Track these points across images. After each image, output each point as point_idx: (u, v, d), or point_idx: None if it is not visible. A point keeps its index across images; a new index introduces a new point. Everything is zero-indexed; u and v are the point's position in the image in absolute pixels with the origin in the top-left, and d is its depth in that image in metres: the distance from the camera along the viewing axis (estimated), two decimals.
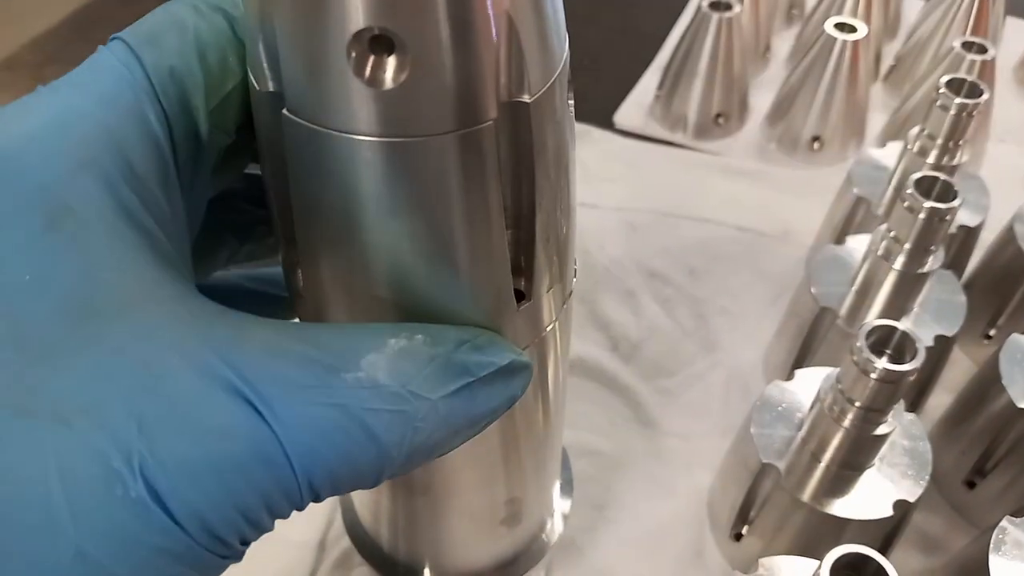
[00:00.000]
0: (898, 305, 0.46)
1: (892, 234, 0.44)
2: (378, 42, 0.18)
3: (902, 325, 0.36)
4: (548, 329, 0.28)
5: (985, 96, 0.48)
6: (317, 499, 0.20)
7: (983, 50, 0.63)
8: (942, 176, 0.42)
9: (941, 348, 0.46)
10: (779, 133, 0.69)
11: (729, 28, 0.66)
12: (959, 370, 0.53)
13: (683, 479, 0.48)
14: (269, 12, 0.19)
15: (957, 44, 0.63)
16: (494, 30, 0.19)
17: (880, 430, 0.37)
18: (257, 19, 0.20)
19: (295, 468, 0.19)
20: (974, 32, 0.70)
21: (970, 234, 0.52)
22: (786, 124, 0.69)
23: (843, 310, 0.46)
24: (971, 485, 0.46)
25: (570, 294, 0.29)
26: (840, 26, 0.65)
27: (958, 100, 0.48)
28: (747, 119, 0.72)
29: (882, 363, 0.34)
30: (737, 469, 0.42)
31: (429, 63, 0.19)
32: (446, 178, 0.21)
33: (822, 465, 0.38)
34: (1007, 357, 0.44)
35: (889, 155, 0.56)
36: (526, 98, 0.21)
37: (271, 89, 0.20)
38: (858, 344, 0.35)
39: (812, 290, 0.47)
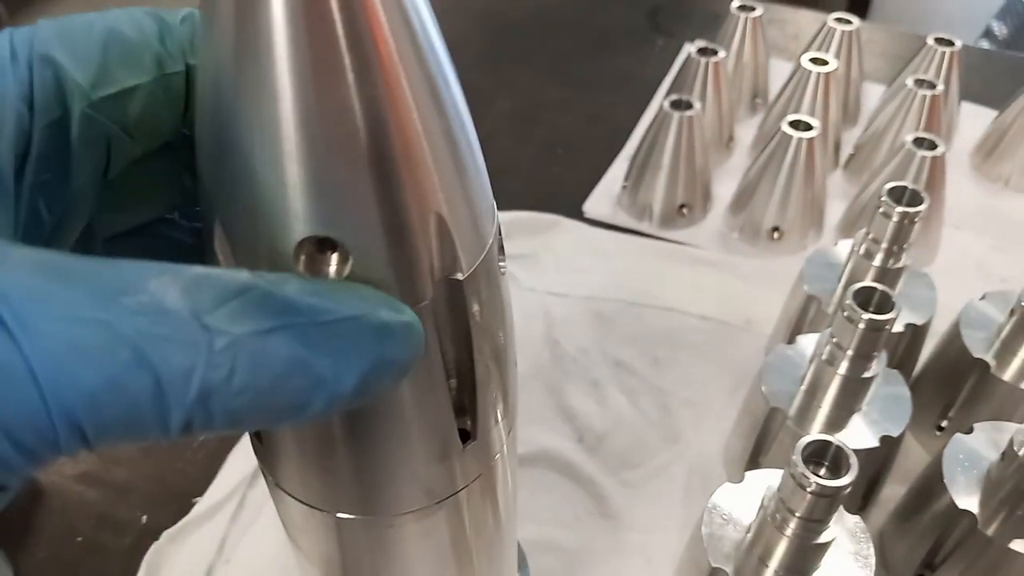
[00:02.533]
0: (845, 406, 0.48)
1: (835, 340, 0.46)
2: (322, 244, 0.21)
3: (836, 440, 0.38)
4: (496, 458, 0.30)
5: (925, 204, 0.50)
6: (85, 440, 0.17)
7: (933, 146, 0.66)
8: (880, 287, 0.45)
9: (888, 446, 0.48)
10: (741, 223, 0.72)
11: (690, 125, 0.69)
12: (913, 460, 0.55)
13: (643, 574, 0.49)
14: (219, 214, 0.21)
15: (909, 140, 0.67)
16: (426, 228, 0.21)
17: (822, 538, 0.39)
18: (210, 215, 0.22)
19: (42, 388, 0.16)
20: (928, 123, 0.74)
21: (918, 331, 0.55)
22: (747, 214, 0.72)
23: (792, 410, 0.49)
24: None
25: (514, 422, 0.31)
26: (795, 123, 0.68)
27: (899, 208, 0.50)
28: (711, 208, 0.75)
29: (816, 479, 0.36)
30: (690, 569, 0.44)
31: (367, 261, 0.21)
32: None
33: (769, 570, 0.40)
34: (950, 457, 0.46)
35: (841, 252, 0.58)
36: (459, 276, 0.23)
37: None
38: (794, 458, 0.37)
39: (763, 389, 0.50)
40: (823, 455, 0.39)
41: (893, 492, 0.53)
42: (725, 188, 0.76)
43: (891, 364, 0.55)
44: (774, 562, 0.40)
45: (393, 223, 0.21)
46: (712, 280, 0.68)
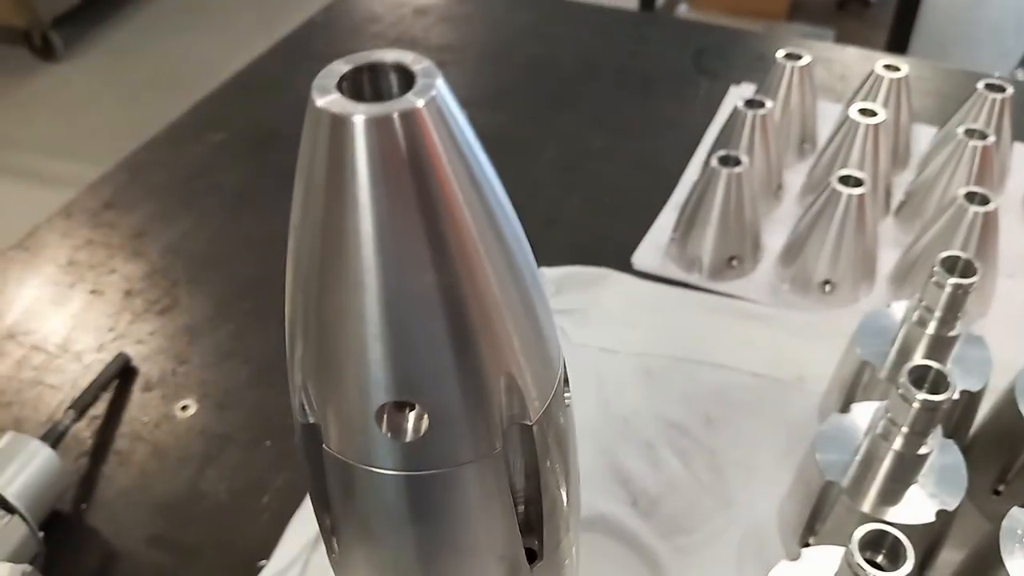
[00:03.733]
0: (900, 480, 0.48)
1: (889, 415, 0.46)
2: (401, 406, 0.22)
3: (893, 530, 0.38)
4: (564, 566, 0.31)
5: (977, 277, 0.51)
6: None
7: (985, 201, 0.66)
8: (935, 366, 0.45)
9: (944, 519, 0.48)
10: (791, 274, 0.73)
11: (739, 181, 0.70)
12: (970, 524, 0.55)
13: None
14: (307, 375, 0.23)
15: (960, 195, 0.66)
16: (497, 387, 0.23)
17: None
18: (300, 374, 0.24)
19: None
20: (980, 174, 0.73)
21: (973, 397, 0.54)
22: (798, 267, 0.72)
23: (846, 482, 0.49)
24: None
25: (578, 533, 0.32)
26: (845, 179, 0.68)
27: (952, 280, 0.50)
28: (761, 258, 0.76)
29: (872, 570, 0.37)
30: None
31: (444, 420, 0.22)
32: (463, 496, 0.24)
33: None
34: (1007, 532, 0.46)
35: (895, 313, 0.58)
36: (528, 422, 0.24)
37: (311, 422, 0.24)
38: (850, 547, 0.38)
39: (817, 459, 0.50)
40: (881, 543, 0.39)
41: (950, 557, 0.52)
42: (775, 238, 0.76)
43: (946, 431, 0.55)
44: None
45: (467, 387, 0.22)
46: (763, 335, 0.68)
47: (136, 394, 0.67)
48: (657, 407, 0.63)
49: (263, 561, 0.55)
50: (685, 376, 0.66)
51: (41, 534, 0.54)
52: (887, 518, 0.48)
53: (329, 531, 0.29)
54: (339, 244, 0.20)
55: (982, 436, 0.57)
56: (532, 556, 0.29)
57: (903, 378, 0.45)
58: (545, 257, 0.75)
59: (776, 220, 0.80)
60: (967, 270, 0.51)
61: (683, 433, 0.62)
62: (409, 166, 0.19)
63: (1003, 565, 0.45)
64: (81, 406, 0.63)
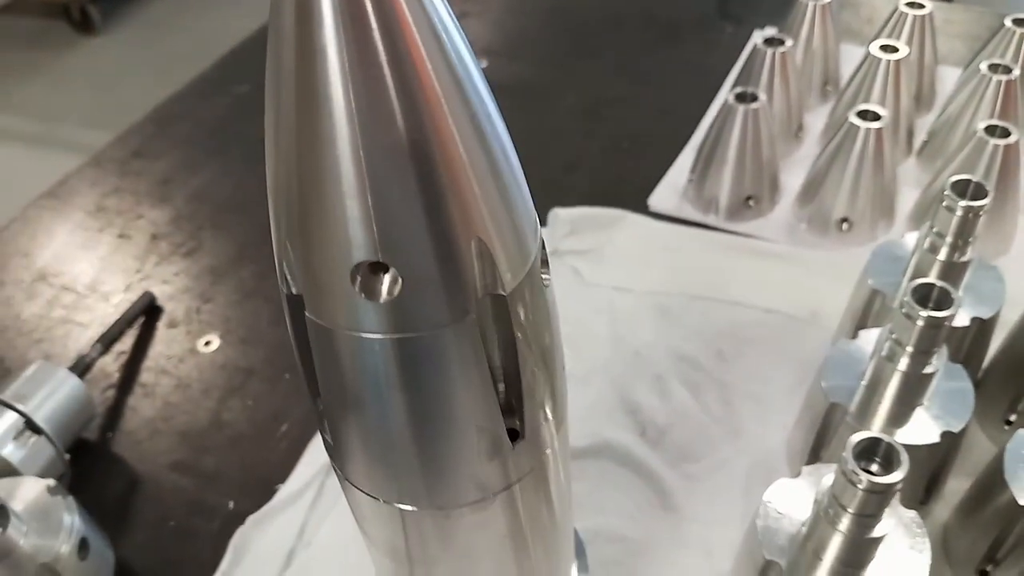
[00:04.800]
0: (906, 402, 0.48)
1: (894, 336, 0.46)
2: (375, 267, 0.23)
3: (886, 436, 0.38)
4: (546, 453, 0.32)
5: (989, 198, 0.50)
6: None
7: (1007, 133, 0.65)
8: (939, 284, 0.45)
9: (950, 441, 0.48)
10: (809, 214, 0.72)
11: (756, 118, 0.70)
12: (980, 454, 0.55)
13: (703, 566, 0.51)
14: (288, 241, 0.24)
15: (980, 128, 0.65)
16: (469, 251, 0.23)
17: (874, 533, 0.39)
18: (282, 242, 0.24)
19: None
20: (1003, 109, 0.72)
21: (984, 325, 0.54)
22: (816, 206, 0.71)
23: (852, 406, 0.49)
24: (984, 574, 0.48)
25: (563, 419, 0.33)
26: (863, 113, 0.67)
27: (963, 203, 0.50)
28: (779, 199, 0.75)
29: (866, 475, 0.37)
30: (746, 562, 0.45)
31: (416, 281, 0.23)
32: (440, 362, 0.25)
33: (823, 565, 0.41)
34: (1012, 454, 0.46)
35: (908, 245, 0.58)
36: (502, 291, 0.25)
37: (294, 292, 0.25)
38: (845, 455, 0.38)
39: (823, 385, 0.50)
40: (875, 451, 0.39)
41: (959, 485, 0.52)
42: (794, 178, 0.76)
43: (957, 358, 0.54)
44: (828, 556, 0.41)
45: (437, 247, 0.23)
46: (778, 273, 0.68)
47: (161, 331, 0.69)
48: (669, 342, 0.64)
49: (279, 485, 0.57)
50: (698, 313, 0.66)
51: (67, 456, 0.56)
52: (895, 439, 0.47)
53: (320, 413, 0.30)
54: (308, 100, 0.21)
55: (994, 366, 0.57)
56: (515, 436, 0.30)
57: (907, 296, 0.44)
58: (564, 200, 0.75)
59: (796, 161, 0.79)
60: (978, 193, 0.50)
61: (694, 367, 0.62)
62: (375, 18, 0.20)
63: (1007, 486, 0.45)
64: (108, 340, 0.65)
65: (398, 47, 0.20)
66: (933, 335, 0.45)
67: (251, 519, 0.54)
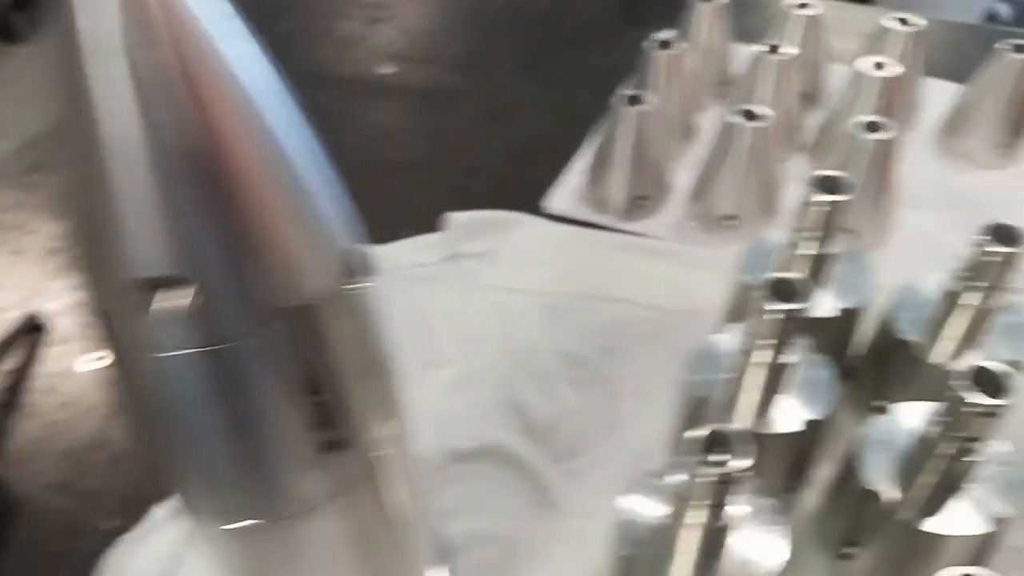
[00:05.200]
0: (768, 393, 0.49)
1: (753, 330, 0.47)
2: (169, 281, 0.23)
3: (723, 426, 0.39)
4: (377, 461, 0.32)
5: (848, 196, 0.51)
6: None
7: (881, 128, 0.67)
8: (793, 277, 0.46)
9: (813, 430, 0.49)
10: (697, 212, 0.73)
11: (644, 120, 0.71)
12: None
13: (577, 561, 0.51)
14: (83, 260, 0.24)
15: (857, 124, 0.67)
16: (261, 263, 0.23)
17: (725, 521, 0.40)
18: (80, 259, 0.24)
19: None
20: (886, 102, 0.74)
21: (852, 315, 0.55)
22: (703, 204, 0.73)
23: (716, 399, 0.50)
24: (845, 556, 0.49)
25: (399, 426, 0.33)
26: (746, 113, 0.69)
27: (824, 197, 0.51)
28: (670, 198, 0.76)
29: (711, 468, 0.38)
30: (611, 556, 0.46)
31: (212, 293, 0.23)
32: (242, 374, 0.25)
33: (679, 556, 0.42)
34: (865, 439, 0.47)
35: (782, 240, 0.59)
36: (306, 302, 0.25)
37: (99, 312, 0.25)
38: (690, 446, 0.39)
39: (687, 379, 0.51)
40: (725, 442, 0.40)
41: (828, 472, 0.53)
42: (686, 177, 0.77)
43: (826, 348, 0.56)
44: (681, 548, 0.42)
45: (231, 260, 0.23)
46: (664, 270, 0.69)
47: (51, 348, 0.68)
48: (557, 341, 0.64)
49: (157, 505, 0.56)
50: (586, 312, 0.67)
51: None
52: (756, 428, 0.49)
53: (146, 437, 0.30)
54: (83, 112, 0.21)
55: (864, 356, 0.59)
56: (337, 447, 0.30)
57: (760, 291, 0.46)
58: (465, 203, 0.76)
59: (688, 161, 0.80)
60: (839, 188, 0.52)
61: (580, 365, 0.63)
62: (162, 22, 0.20)
63: (860, 472, 0.46)
64: None
65: (184, 56, 0.21)
66: (789, 327, 0.46)
67: (125, 539, 0.53)
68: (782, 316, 0.45)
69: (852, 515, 0.47)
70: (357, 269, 0.29)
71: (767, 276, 0.46)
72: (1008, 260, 0.49)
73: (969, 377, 0.42)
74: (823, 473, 0.53)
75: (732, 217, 0.71)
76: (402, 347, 0.64)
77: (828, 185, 0.53)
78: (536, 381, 0.61)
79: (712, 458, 0.39)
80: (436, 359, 0.63)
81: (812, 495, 0.53)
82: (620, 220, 0.75)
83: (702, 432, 0.40)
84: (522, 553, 0.52)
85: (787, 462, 0.51)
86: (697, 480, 0.39)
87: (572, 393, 0.61)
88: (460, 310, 0.67)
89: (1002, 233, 0.49)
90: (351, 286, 0.28)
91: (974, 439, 0.42)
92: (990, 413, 0.41)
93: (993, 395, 0.41)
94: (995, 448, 0.45)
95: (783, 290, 0.47)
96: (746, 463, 0.39)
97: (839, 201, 0.52)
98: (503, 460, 0.57)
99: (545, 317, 0.66)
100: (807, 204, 0.52)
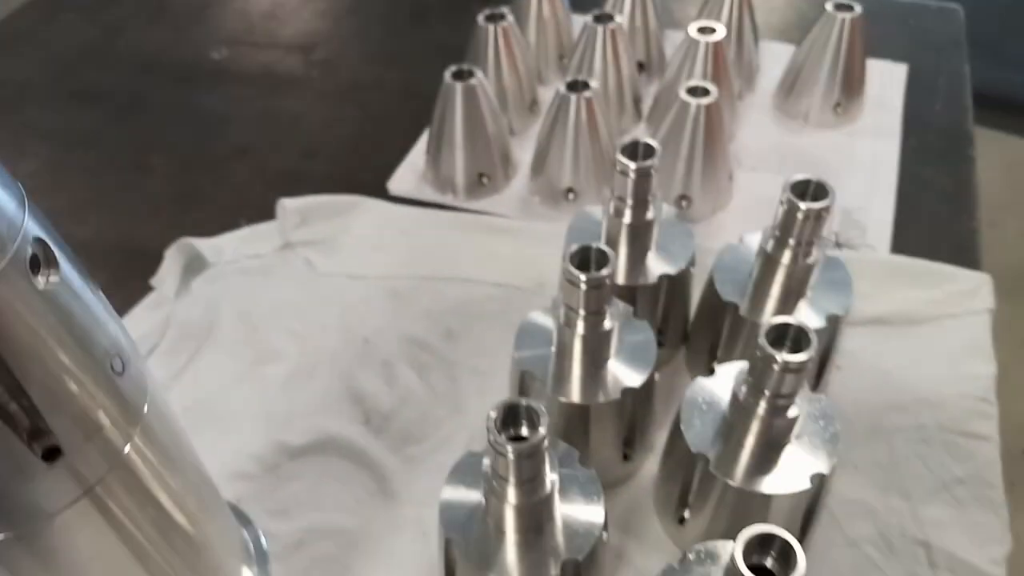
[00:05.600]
0: (592, 362, 0.49)
1: (566, 302, 0.47)
2: None
3: (522, 400, 0.39)
4: (111, 465, 0.30)
5: (655, 158, 0.52)
6: None
7: (705, 93, 0.68)
8: (596, 247, 0.46)
9: (633, 397, 0.49)
10: (539, 187, 0.73)
11: (474, 95, 0.70)
12: None
13: (417, 549, 0.51)
14: None
15: (683, 90, 0.68)
16: None
17: (539, 495, 0.40)
18: None
19: None
20: (714, 66, 0.75)
21: (674, 280, 0.56)
22: (544, 178, 0.72)
23: (541, 372, 0.49)
24: (682, 520, 0.49)
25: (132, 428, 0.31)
26: (575, 84, 0.69)
27: (633, 164, 0.51)
28: (513, 174, 0.76)
29: (507, 443, 0.37)
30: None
31: None
32: None
33: (504, 535, 0.42)
34: (688, 401, 0.48)
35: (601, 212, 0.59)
36: None
37: None
38: (488, 423, 0.38)
39: (514, 355, 0.51)
40: (517, 416, 0.40)
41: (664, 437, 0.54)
42: (529, 153, 0.77)
43: (653, 313, 0.56)
44: (507, 527, 0.41)
45: None
46: (507, 247, 0.69)
47: None
48: (399, 326, 0.63)
49: None
50: (429, 294, 0.66)
51: None
52: (578, 400, 0.48)
53: None
54: None
55: (695, 319, 0.59)
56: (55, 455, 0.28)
57: (566, 262, 0.45)
58: (301, 189, 0.73)
59: (531, 136, 0.80)
60: (647, 153, 0.52)
61: (422, 348, 0.62)
62: None
63: (683, 434, 0.47)
64: None
65: None
66: (597, 295, 0.46)
67: None
68: (589, 285, 0.45)
69: (683, 479, 0.48)
70: (38, 260, 0.26)
71: (571, 248, 0.46)
72: (817, 215, 0.50)
73: (771, 335, 0.42)
74: (663, 438, 0.54)
75: (571, 190, 0.71)
76: (231, 344, 0.62)
77: (635, 152, 0.53)
78: (377, 369, 0.60)
79: (504, 435, 0.39)
80: (268, 354, 0.61)
81: (653, 462, 0.54)
82: (465, 199, 0.74)
83: (495, 410, 0.39)
84: (362, 545, 0.51)
85: (617, 432, 0.51)
86: (498, 457, 0.39)
87: (415, 377, 0.60)
88: (295, 301, 0.65)
89: (808, 189, 0.50)
90: (38, 277, 0.26)
91: (783, 395, 0.43)
92: (793, 369, 0.42)
93: (795, 351, 0.42)
94: (812, 404, 0.47)
95: (586, 260, 0.46)
96: (539, 436, 0.38)
97: (645, 167, 0.52)
98: (340, 452, 0.56)
99: (387, 302, 0.65)
100: (620, 173, 0.52)
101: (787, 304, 0.53)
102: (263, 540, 0.45)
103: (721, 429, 0.47)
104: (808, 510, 0.47)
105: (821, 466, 0.44)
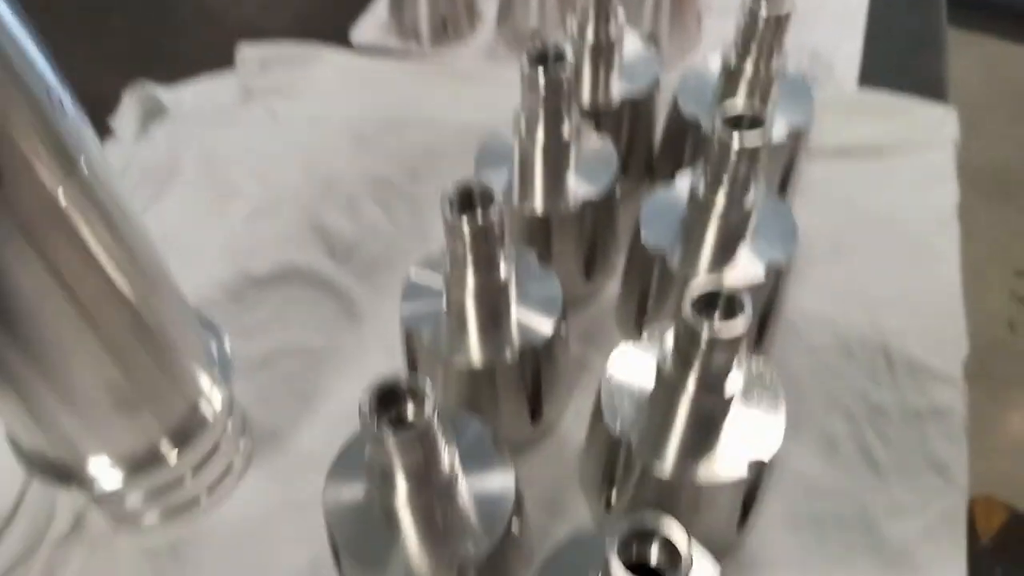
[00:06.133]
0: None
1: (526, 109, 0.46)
2: None
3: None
4: (44, 206, 0.30)
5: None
6: None
7: None
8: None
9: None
10: (504, 33, 0.72)
11: None
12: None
13: (383, 362, 0.51)
14: None
15: None
16: None
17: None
18: None
19: None
20: None
21: (638, 104, 0.55)
22: (509, 24, 0.71)
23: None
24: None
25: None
26: None
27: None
28: (478, 24, 0.74)
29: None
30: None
31: None
32: None
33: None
34: (647, 207, 0.48)
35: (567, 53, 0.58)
36: None
37: None
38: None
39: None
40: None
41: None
42: (493, 7, 0.75)
43: (620, 139, 0.56)
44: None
45: None
46: (476, 91, 0.68)
47: None
48: (363, 167, 0.63)
49: None
50: (394, 136, 0.65)
51: None
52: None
53: None
54: None
55: (664, 136, 0.59)
56: None
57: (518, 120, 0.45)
58: (266, 35, 0.71)
59: None
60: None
61: (387, 186, 0.61)
62: None
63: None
64: None
65: None
66: (559, 97, 0.45)
67: None
68: (549, 87, 0.44)
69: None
70: None
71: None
72: (778, 24, 0.49)
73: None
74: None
75: (537, 33, 0.70)
76: (192, 185, 0.62)
77: None
78: (340, 205, 0.60)
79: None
80: (230, 193, 0.60)
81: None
82: (428, 47, 0.73)
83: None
84: (328, 362, 0.52)
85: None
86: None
87: (380, 213, 0.59)
88: (257, 145, 0.64)
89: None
90: None
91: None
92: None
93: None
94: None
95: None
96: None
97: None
98: (305, 280, 0.56)
99: (351, 145, 0.64)
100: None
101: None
102: (227, 346, 0.45)
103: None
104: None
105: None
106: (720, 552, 0.35)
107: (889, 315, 0.53)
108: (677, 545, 0.29)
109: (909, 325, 0.53)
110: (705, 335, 0.34)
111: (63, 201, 0.30)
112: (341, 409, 0.49)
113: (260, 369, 0.51)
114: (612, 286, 0.55)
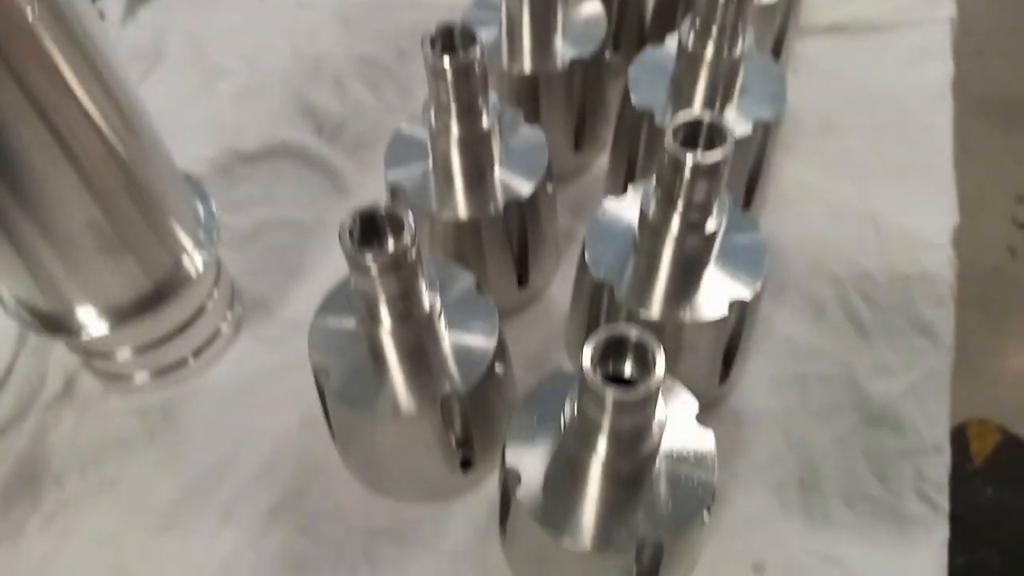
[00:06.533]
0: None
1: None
2: None
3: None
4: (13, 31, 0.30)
5: None
6: None
7: None
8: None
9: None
10: None
11: None
12: None
13: None
14: None
15: None
16: None
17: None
18: None
19: None
20: None
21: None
22: None
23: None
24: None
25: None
26: None
27: None
28: None
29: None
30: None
31: None
32: None
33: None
34: (635, 67, 0.47)
35: None
36: None
37: None
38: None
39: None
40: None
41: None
42: None
43: (611, 10, 0.55)
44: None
45: None
46: None
47: None
48: (350, 47, 0.62)
49: None
50: (381, 18, 0.64)
51: None
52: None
53: None
54: None
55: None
56: None
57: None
58: None
59: None
60: None
61: (374, 66, 0.60)
62: None
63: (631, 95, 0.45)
64: None
65: None
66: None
67: None
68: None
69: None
70: None
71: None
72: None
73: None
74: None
75: None
76: (179, 66, 0.61)
77: None
78: (328, 85, 0.59)
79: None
80: (217, 73, 0.60)
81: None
82: None
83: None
84: (316, 235, 0.52)
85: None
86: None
87: (367, 92, 0.59)
88: (243, 28, 0.63)
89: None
90: None
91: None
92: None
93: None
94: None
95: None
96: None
97: None
98: (293, 157, 0.55)
99: (338, 26, 0.63)
100: None
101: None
102: (214, 208, 0.45)
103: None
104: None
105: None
106: (702, 406, 0.35)
107: (879, 185, 0.53)
108: (649, 350, 0.29)
109: (899, 195, 0.52)
110: (689, 162, 0.34)
111: (30, 17, 0.29)
112: (329, 279, 0.49)
113: (249, 242, 0.51)
114: (601, 161, 0.55)
